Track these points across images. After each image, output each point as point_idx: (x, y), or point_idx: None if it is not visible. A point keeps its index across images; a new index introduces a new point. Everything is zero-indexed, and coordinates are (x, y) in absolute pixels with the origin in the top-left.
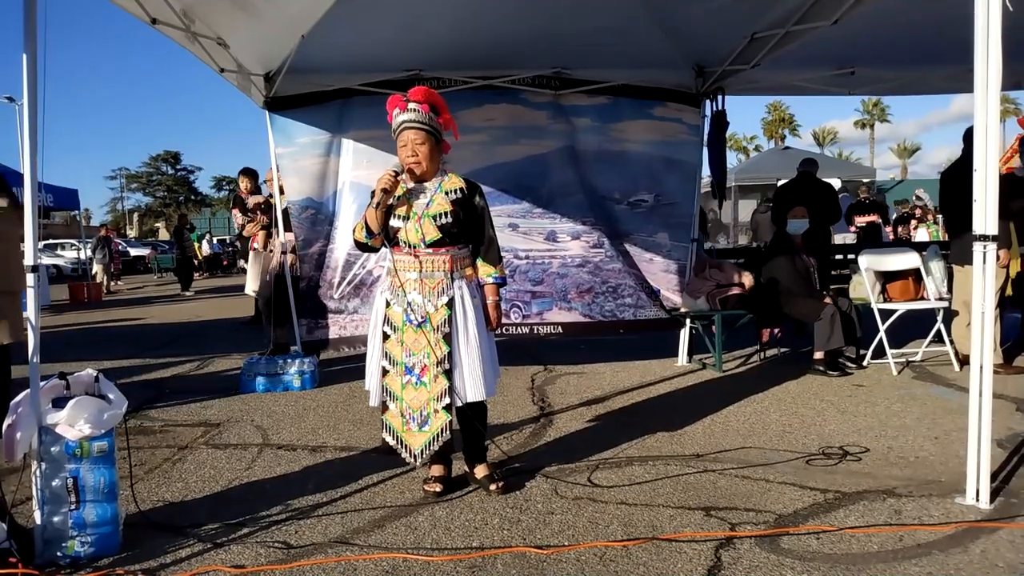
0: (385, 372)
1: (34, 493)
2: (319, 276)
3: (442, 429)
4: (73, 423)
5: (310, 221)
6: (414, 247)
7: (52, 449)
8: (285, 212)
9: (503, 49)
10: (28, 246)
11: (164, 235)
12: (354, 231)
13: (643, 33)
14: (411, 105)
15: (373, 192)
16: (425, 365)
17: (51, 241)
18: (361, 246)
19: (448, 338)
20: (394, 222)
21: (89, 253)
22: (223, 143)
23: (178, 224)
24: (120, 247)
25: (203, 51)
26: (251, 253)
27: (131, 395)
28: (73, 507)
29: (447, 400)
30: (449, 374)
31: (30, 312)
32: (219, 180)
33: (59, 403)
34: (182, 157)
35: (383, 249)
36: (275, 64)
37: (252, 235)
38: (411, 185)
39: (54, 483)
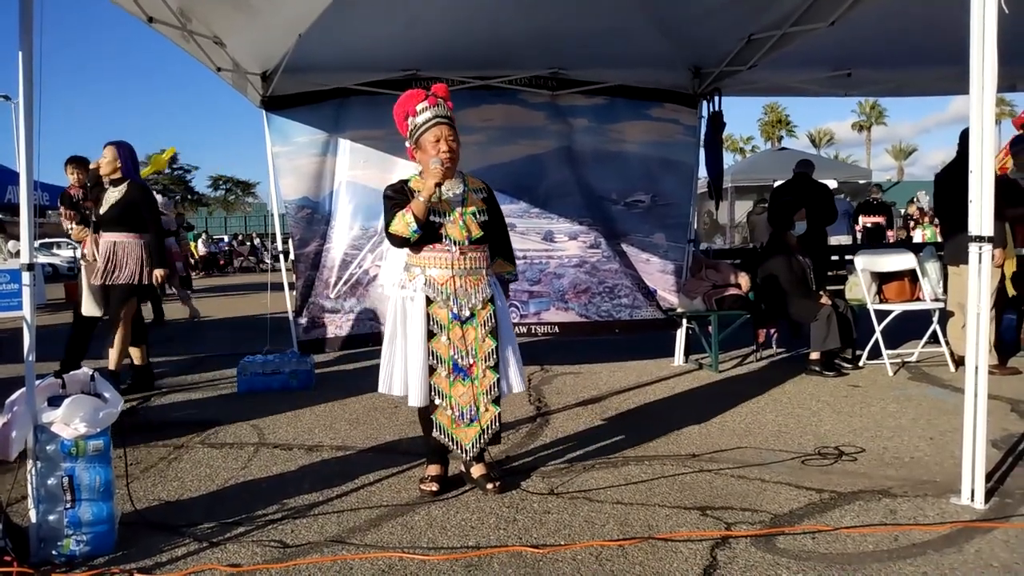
0: (432, 371)
1: (29, 492)
2: (315, 276)
3: (491, 422)
4: (69, 422)
5: (306, 220)
6: (459, 244)
7: (48, 448)
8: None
9: (500, 49)
10: (24, 244)
11: None
12: (391, 226)
13: (640, 34)
14: (439, 100)
15: (394, 187)
16: (473, 361)
17: (47, 240)
18: (400, 241)
19: (494, 333)
20: (434, 218)
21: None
22: (220, 142)
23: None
24: None
25: (199, 50)
26: (83, 265)
27: (126, 394)
28: (69, 506)
29: (496, 393)
30: (495, 368)
31: (26, 310)
32: (216, 179)
33: (55, 401)
34: (179, 156)
35: (380, 248)
36: (272, 63)
37: (82, 240)
38: (445, 182)
39: (50, 482)
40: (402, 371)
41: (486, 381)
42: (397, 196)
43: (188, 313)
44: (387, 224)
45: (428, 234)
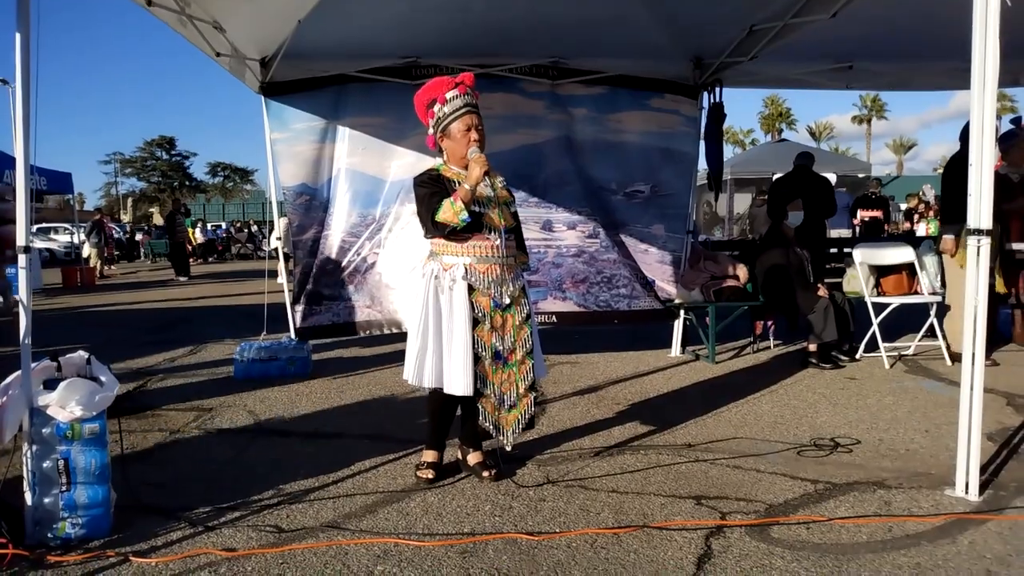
0: (478, 359)
1: (25, 475)
2: (313, 262)
3: (529, 406)
4: (64, 405)
5: (304, 207)
6: (499, 232)
7: (43, 431)
8: None
9: (500, 37)
10: (20, 227)
11: (158, 220)
12: (439, 214)
13: (641, 23)
14: (469, 89)
15: (429, 176)
16: (512, 348)
17: (44, 225)
18: (443, 229)
19: (528, 319)
20: (476, 207)
21: (82, 237)
22: (218, 129)
23: (172, 209)
24: (114, 231)
25: (198, 35)
26: None
27: (123, 378)
28: (64, 489)
29: (532, 378)
30: (530, 354)
31: (22, 294)
32: (214, 166)
33: (50, 385)
34: (177, 142)
35: (378, 236)
36: (271, 49)
37: None
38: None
39: (45, 465)
40: (435, 361)
41: (524, 367)
42: (433, 185)
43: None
44: (432, 212)
45: (470, 223)
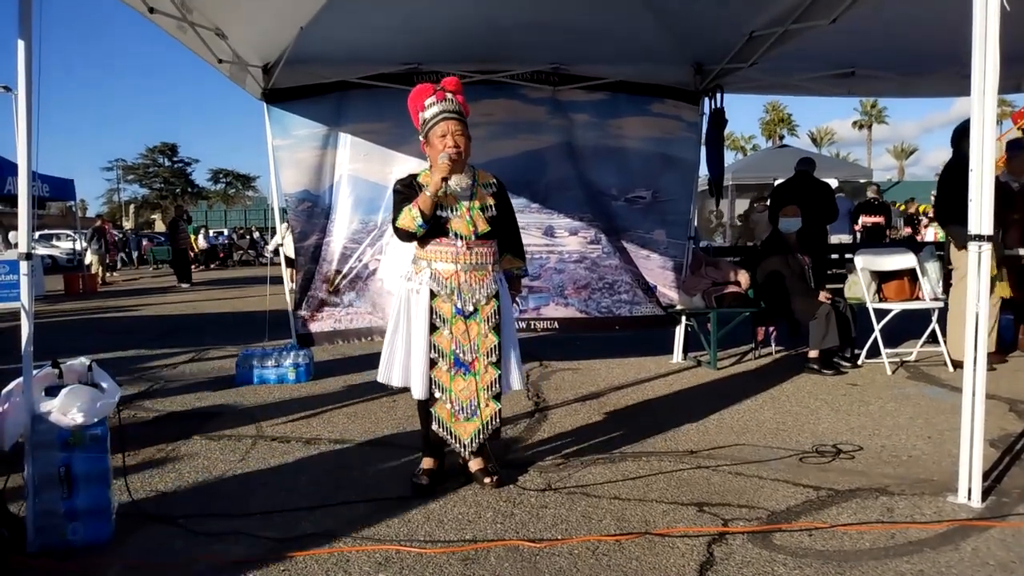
0: (433, 364)
1: (26, 481)
2: (314, 269)
3: (491, 418)
4: (66, 411)
5: (307, 214)
6: (465, 238)
7: (45, 437)
8: None
9: (502, 43)
10: (22, 234)
11: (160, 227)
12: (398, 220)
13: (642, 29)
14: (448, 95)
15: (403, 182)
16: (475, 356)
17: (47, 232)
18: (407, 236)
19: (497, 329)
20: (441, 212)
21: (84, 244)
22: (220, 136)
23: (174, 216)
24: (116, 238)
25: (200, 42)
26: None
27: (125, 385)
28: (65, 496)
29: (497, 389)
30: (497, 364)
31: (24, 300)
32: (216, 173)
33: (52, 391)
34: (179, 149)
35: (380, 242)
36: (274, 55)
37: None
38: (451, 177)
39: (46, 471)
40: (402, 362)
41: (487, 377)
42: (405, 191)
43: None
44: (394, 218)
45: (435, 228)
